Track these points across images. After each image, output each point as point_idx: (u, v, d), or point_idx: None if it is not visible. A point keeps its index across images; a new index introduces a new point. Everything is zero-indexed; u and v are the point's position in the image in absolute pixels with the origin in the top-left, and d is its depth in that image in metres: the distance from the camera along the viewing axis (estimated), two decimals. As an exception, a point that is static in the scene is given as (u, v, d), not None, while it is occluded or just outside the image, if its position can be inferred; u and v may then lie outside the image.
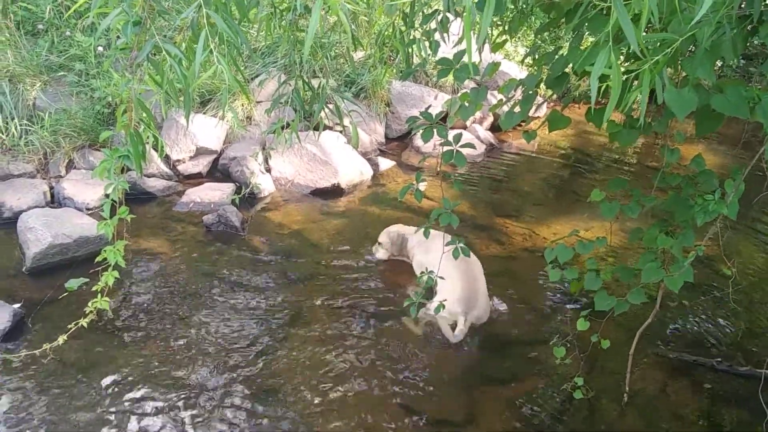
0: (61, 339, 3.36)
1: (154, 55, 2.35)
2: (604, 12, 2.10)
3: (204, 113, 6.64)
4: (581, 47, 2.62)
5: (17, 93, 6.08)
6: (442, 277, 3.59)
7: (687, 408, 3.85)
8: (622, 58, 2.61)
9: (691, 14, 1.89)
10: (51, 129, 5.96)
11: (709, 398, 3.92)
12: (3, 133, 5.91)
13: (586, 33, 2.85)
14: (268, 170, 6.48)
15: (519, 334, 4.41)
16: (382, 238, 5.06)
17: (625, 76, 1.94)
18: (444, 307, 3.66)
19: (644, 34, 1.94)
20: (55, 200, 5.65)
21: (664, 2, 1.77)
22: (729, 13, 1.87)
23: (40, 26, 6.66)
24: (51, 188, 5.71)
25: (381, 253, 5.09)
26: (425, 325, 4.36)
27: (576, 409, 3.75)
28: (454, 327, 4.18)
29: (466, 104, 3.07)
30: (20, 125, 5.95)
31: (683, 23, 1.88)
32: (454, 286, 4.22)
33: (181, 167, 6.39)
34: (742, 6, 2.14)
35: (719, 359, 4.14)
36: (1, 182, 5.59)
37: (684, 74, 2.53)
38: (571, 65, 2.68)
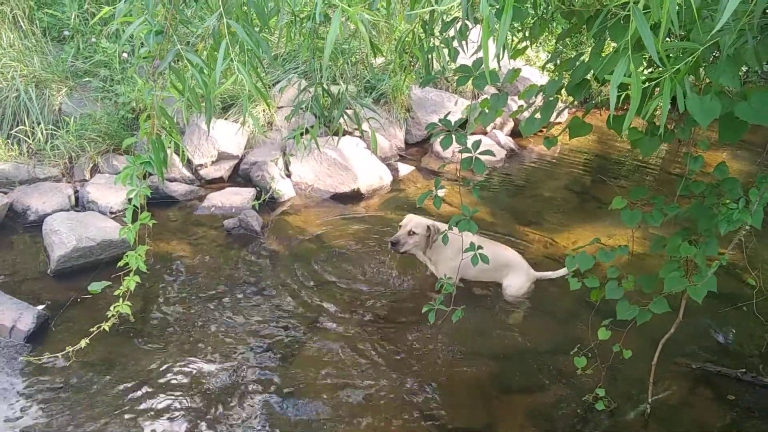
0: (83, 342, 3.39)
1: (176, 62, 2.38)
2: (623, 21, 2.08)
3: (225, 118, 6.71)
4: (603, 54, 2.60)
5: (43, 98, 6.19)
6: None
7: (710, 419, 3.79)
8: (644, 64, 2.58)
9: (712, 22, 1.86)
10: (76, 134, 6.06)
11: (733, 409, 3.86)
12: (29, 138, 6.02)
13: (607, 39, 2.82)
14: (289, 175, 6.51)
15: (539, 342, 4.37)
16: (419, 229, 4.41)
17: (646, 84, 1.92)
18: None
19: (667, 41, 1.92)
20: (79, 204, 5.73)
21: (683, 11, 1.74)
22: (751, 22, 1.84)
23: (66, 32, 6.78)
24: (75, 192, 5.80)
25: (408, 245, 4.45)
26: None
27: (597, 419, 3.71)
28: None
29: (486, 110, 3.06)
30: (46, 130, 6.06)
31: (704, 31, 1.86)
32: (518, 259, 4.81)
33: (202, 172, 6.45)
34: (767, 12, 2.10)
35: (743, 370, 4.07)
36: (27, 186, 5.69)
37: (707, 81, 2.49)
38: (592, 72, 2.66)
